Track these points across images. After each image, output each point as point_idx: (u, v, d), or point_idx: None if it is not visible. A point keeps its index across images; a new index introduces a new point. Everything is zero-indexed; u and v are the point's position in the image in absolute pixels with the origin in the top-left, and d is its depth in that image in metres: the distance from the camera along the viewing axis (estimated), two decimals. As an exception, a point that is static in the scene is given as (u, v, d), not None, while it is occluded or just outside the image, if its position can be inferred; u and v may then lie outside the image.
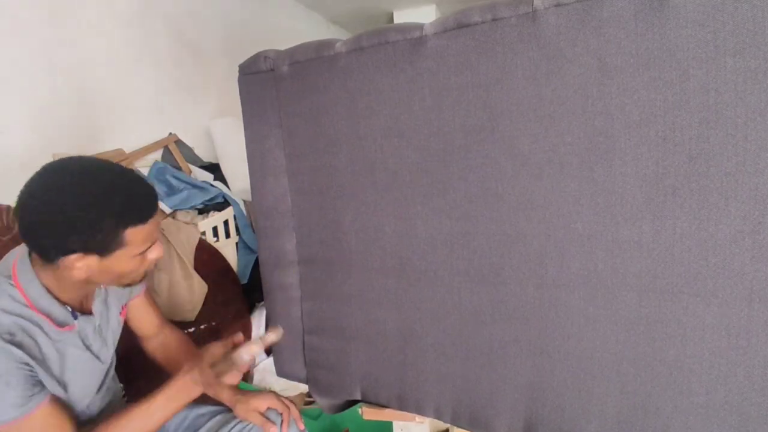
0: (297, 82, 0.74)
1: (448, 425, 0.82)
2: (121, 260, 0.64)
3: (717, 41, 0.49)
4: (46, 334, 0.64)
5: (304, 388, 1.57)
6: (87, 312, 0.72)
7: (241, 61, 0.82)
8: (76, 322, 0.68)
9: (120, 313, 0.80)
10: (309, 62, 0.73)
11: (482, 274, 0.65)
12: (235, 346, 0.70)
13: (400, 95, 0.66)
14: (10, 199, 1.08)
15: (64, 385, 0.68)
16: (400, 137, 0.68)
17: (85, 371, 0.71)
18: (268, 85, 0.77)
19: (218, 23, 1.96)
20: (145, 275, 0.73)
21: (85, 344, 0.70)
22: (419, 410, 0.75)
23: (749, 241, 0.50)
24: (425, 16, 2.81)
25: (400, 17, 2.86)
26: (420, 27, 0.64)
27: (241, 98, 0.82)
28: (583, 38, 0.54)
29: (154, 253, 0.68)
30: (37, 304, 0.64)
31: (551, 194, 0.59)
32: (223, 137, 1.67)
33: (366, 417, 0.81)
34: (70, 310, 0.67)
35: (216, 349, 0.70)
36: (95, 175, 0.61)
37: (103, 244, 0.61)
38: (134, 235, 0.63)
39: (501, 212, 0.62)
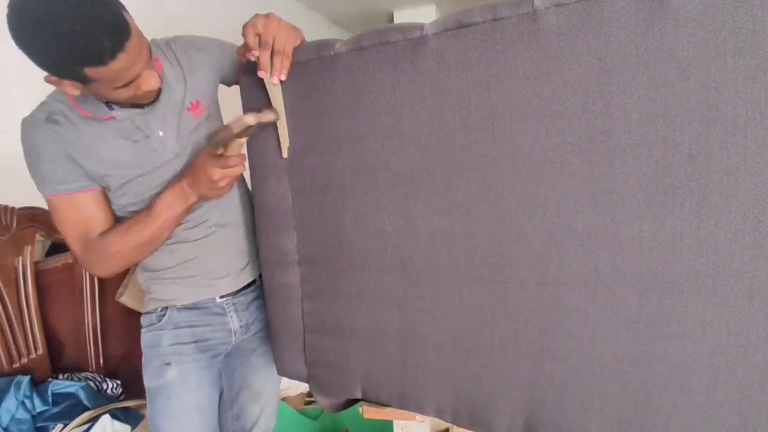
0: (298, 82, 0.74)
1: (448, 424, 0.82)
2: (103, 90, 0.66)
3: (717, 41, 0.49)
4: (84, 121, 0.73)
5: (304, 387, 1.58)
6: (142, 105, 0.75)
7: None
8: (112, 113, 0.74)
9: (189, 108, 0.80)
10: (309, 62, 0.73)
11: (483, 273, 0.65)
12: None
13: (401, 95, 0.66)
14: (9, 199, 1.08)
15: (105, 172, 0.74)
16: (401, 137, 0.68)
17: (128, 159, 0.75)
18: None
19: (218, 23, 1.96)
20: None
21: (125, 135, 0.75)
22: (420, 409, 0.75)
23: (749, 240, 0.50)
24: (425, 16, 2.81)
25: (401, 17, 2.86)
26: (420, 27, 0.65)
27: (242, 98, 0.82)
28: (584, 38, 0.55)
29: (145, 86, 0.68)
30: (78, 100, 0.72)
31: (552, 193, 0.59)
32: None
33: (367, 416, 0.82)
34: (105, 102, 0.73)
35: (204, 152, 0.74)
36: (53, 7, 0.57)
37: (71, 76, 0.63)
38: (97, 73, 0.61)
39: (502, 211, 0.62)
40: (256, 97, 0.78)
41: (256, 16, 0.71)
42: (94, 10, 0.58)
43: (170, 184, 0.76)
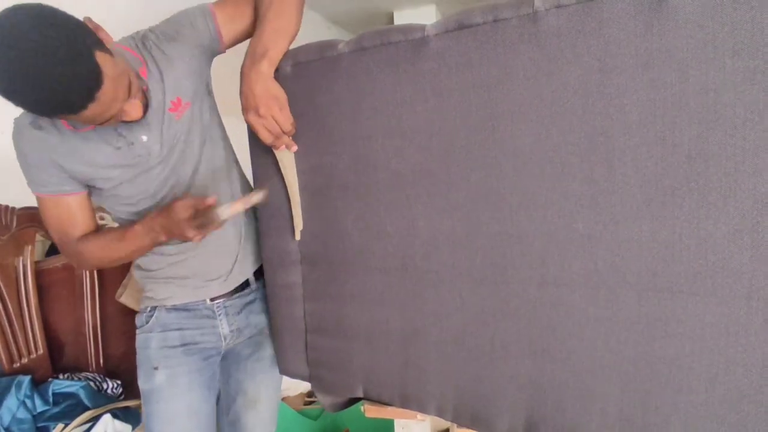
0: (299, 83, 0.74)
1: (449, 423, 0.82)
2: (85, 122, 0.66)
3: (716, 42, 0.49)
4: (65, 130, 0.72)
5: (304, 387, 1.58)
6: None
7: (241, 61, 0.82)
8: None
9: (170, 108, 0.76)
10: (311, 63, 0.73)
11: (484, 273, 0.66)
12: (207, 207, 0.70)
13: (402, 95, 0.67)
14: (9, 199, 1.08)
15: (91, 176, 0.74)
16: (403, 137, 0.68)
17: (113, 165, 0.75)
18: (270, 85, 0.77)
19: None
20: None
21: (108, 141, 0.74)
22: (421, 408, 0.76)
23: (748, 240, 0.51)
24: (425, 16, 2.81)
25: (401, 18, 2.86)
26: (422, 28, 0.65)
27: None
28: (584, 39, 0.55)
29: (127, 118, 0.68)
30: None
31: (552, 194, 0.59)
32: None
33: (368, 415, 0.82)
34: None
35: (185, 205, 0.70)
36: (24, 59, 0.55)
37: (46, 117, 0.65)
38: (69, 118, 0.62)
39: (502, 212, 0.63)
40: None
41: (246, 100, 0.71)
42: (60, 65, 0.56)
43: (144, 216, 0.75)
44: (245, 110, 0.73)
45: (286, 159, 0.77)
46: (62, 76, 0.56)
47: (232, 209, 0.70)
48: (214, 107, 0.85)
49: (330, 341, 0.82)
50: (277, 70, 0.76)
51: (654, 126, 0.53)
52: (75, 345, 1.21)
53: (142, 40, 0.76)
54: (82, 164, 0.73)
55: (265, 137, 0.73)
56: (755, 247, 0.51)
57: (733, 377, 0.54)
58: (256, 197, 0.72)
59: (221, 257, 0.86)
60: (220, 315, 0.88)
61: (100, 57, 0.60)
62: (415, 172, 0.68)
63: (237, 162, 0.91)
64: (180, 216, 0.69)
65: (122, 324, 1.28)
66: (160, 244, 0.77)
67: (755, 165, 0.49)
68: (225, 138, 0.88)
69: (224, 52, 0.83)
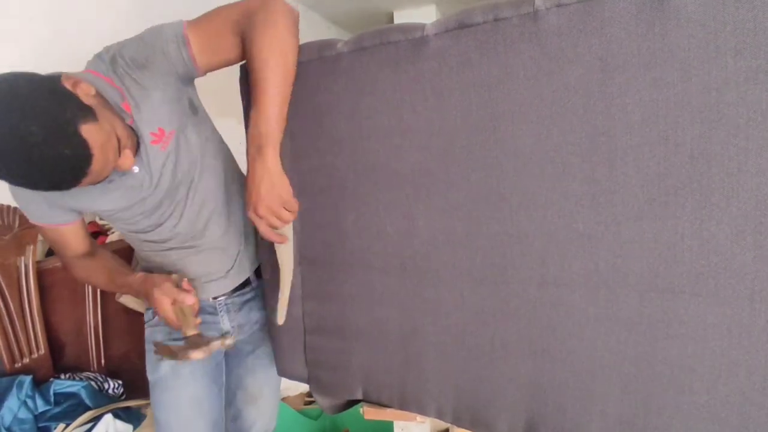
0: (299, 83, 0.74)
1: (448, 425, 0.82)
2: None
3: (718, 41, 0.49)
4: None
5: (304, 387, 1.58)
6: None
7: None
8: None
9: (153, 140, 0.71)
10: (311, 62, 0.73)
11: (484, 273, 0.65)
12: (183, 308, 0.74)
13: (402, 95, 0.66)
14: (10, 199, 1.09)
15: (88, 208, 0.77)
16: (403, 137, 0.68)
17: (107, 197, 0.74)
18: (270, 85, 0.77)
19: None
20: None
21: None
22: (421, 410, 0.75)
23: (750, 241, 0.50)
24: (425, 16, 2.81)
25: (400, 17, 2.86)
26: (422, 27, 0.65)
27: (242, 99, 0.82)
28: (585, 38, 0.55)
29: (120, 170, 0.68)
30: None
31: (553, 194, 0.59)
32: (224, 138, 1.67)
33: (367, 416, 0.82)
34: None
35: (167, 290, 0.74)
36: (5, 147, 0.54)
37: None
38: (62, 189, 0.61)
39: (503, 212, 0.62)
40: None
41: (249, 196, 0.69)
42: (46, 150, 0.54)
43: (135, 277, 0.79)
44: (247, 204, 0.70)
45: (284, 253, 0.78)
46: (48, 162, 0.55)
47: (192, 355, 0.72)
48: (204, 121, 0.81)
49: (329, 342, 0.82)
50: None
51: (656, 126, 0.53)
52: (76, 345, 1.21)
53: (111, 65, 0.69)
54: (74, 200, 0.73)
55: (265, 233, 0.71)
56: (758, 247, 0.50)
57: (736, 379, 0.53)
58: (217, 345, 0.74)
59: (222, 258, 0.87)
60: (221, 312, 0.90)
61: (86, 130, 0.58)
62: (415, 171, 0.68)
63: (236, 170, 0.89)
64: (157, 300, 0.74)
65: (123, 324, 1.28)
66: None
67: (758, 165, 0.49)
68: (220, 150, 0.84)
69: (201, 76, 0.75)
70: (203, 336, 0.76)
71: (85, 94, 0.61)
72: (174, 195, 0.78)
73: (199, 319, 0.77)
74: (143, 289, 0.77)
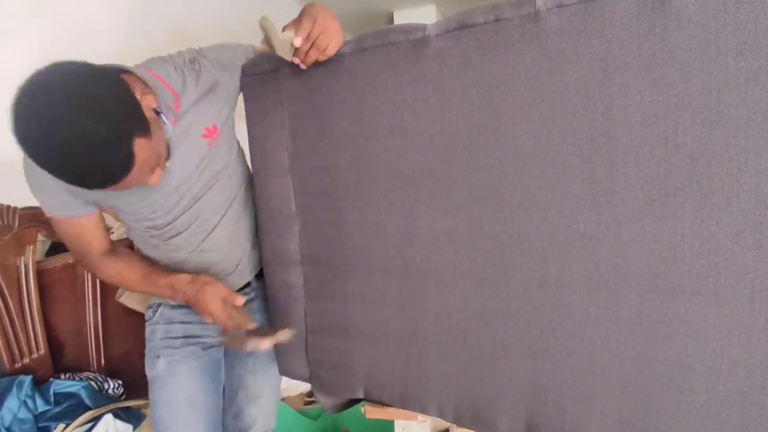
0: (300, 83, 0.74)
1: (449, 424, 0.82)
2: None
3: (718, 42, 0.49)
4: None
5: (304, 387, 1.58)
6: None
7: (243, 56, 0.82)
8: None
9: (204, 134, 0.76)
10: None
11: (485, 273, 0.65)
12: (234, 305, 0.75)
13: (403, 96, 0.67)
14: (10, 199, 1.08)
15: (108, 205, 0.76)
16: (404, 137, 0.68)
17: (132, 192, 0.73)
18: (272, 85, 0.77)
19: (218, 23, 1.95)
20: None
21: None
22: (422, 409, 0.76)
23: (750, 241, 0.51)
24: (425, 16, 2.81)
25: (401, 18, 2.86)
26: (423, 28, 0.65)
27: (244, 99, 0.82)
28: (586, 39, 0.55)
29: (147, 185, 0.67)
30: None
31: (553, 194, 0.59)
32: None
33: (369, 415, 0.82)
34: None
35: (215, 292, 0.75)
36: (54, 141, 0.54)
37: None
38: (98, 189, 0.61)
39: (504, 212, 0.63)
40: (259, 97, 0.78)
41: (314, 5, 0.69)
42: (94, 153, 0.54)
43: (179, 276, 0.79)
44: (299, 31, 0.67)
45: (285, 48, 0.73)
46: (92, 161, 0.55)
47: (258, 344, 0.72)
48: (234, 131, 0.86)
49: (331, 341, 0.82)
50: (276, 70, 0.76)
51: (656, 126, 0.53)
52: (76, 345, 1.21)
53: (190, 62, 0.76)
54: (96, 197, 0.74)
55: (306, 27, 0.67)
56: (758, 247, 0.50)
57: (736, 378, 0.53)
58: (283, 335, 0.74)
59: (224, 261, 0.88)
60: None
61: (138, 144, 0.58)
62: (416, 172, 0.68)
63: (249, 177, 0.90)
64: (209, 300, 0.75)
65: (123, 324, 1.28)
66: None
67: (758, 165, 0.49)
68: (242, 159, 0.88)
69: None
70: (265, 328, 0.76)
71: (147, 106, 0.63)
72: (195, 193, 0.79)
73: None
74: (191, 290, 0.77)
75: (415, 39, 0.65)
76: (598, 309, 0.59)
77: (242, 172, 0.87)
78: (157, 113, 0.67)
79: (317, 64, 0.72)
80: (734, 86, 0.49)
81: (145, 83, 0.68)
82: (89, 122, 0.53)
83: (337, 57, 0.71)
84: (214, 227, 0.83)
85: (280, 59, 0.76)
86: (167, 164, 0.73)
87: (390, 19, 2.91)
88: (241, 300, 0.75)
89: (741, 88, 0.49)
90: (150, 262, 0.85)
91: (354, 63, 0.70)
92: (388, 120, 0.68)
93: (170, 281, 0.79)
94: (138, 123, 0.60)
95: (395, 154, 0.69)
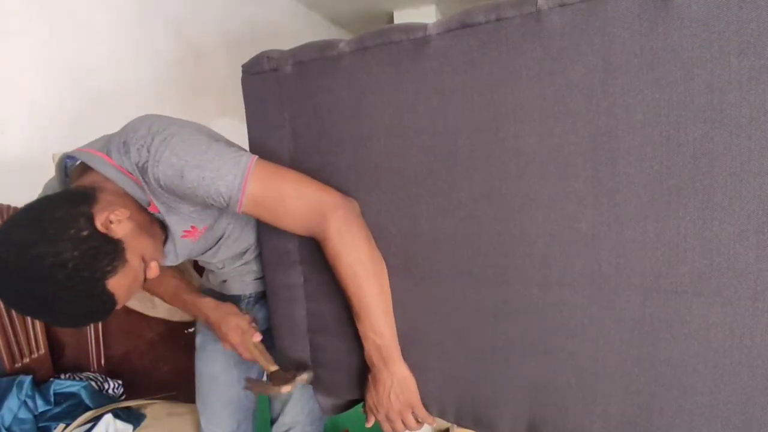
0: (300, 82, 0.74)
1: (449, 424, 0.82)
2: None
3: (721, 41, 0.49)
4: None
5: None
6: None
7: (241, 61, 0.82)
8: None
9: (183, 235, 0.72)
10: (312, 62, 0.73)
11: (486, 273, 0.65)
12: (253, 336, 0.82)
13: (404, 95, 0.66)
14: (10, 199, 1.08)
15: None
16: (404, 137, 0.68)
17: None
18: (272, 85, 0.77)
19: (218, 23, 1.95)
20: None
21: None
22: (423, 410, 0.75)
23: (753, 241, 0.50)
24: (425, 16, 2.81)
25: (401, 17, 2.86)
26: (424, 27, 0.64)
27: (244, 98, 0.82)
28: (588, 38, 0.54)
29: (151, 277, 0.66)
30: None
31: (555, 194, 0.59)
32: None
33: (369, 417, 0.81)
34: None
35: (237, 326, 0.82)
36: (27, 309, 0.58)
37: None
38: None
39: (505, 212, 0.62)
40: (259, 97, 0.77)
41: (380, 404, 0.72)
42: (70, 307, 0.54)
43: (205, 300, 0.85)
44: (374, 409, 0.73)
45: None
46: (75, 316, 0.56)
47: (280, 391, 0.78)
48: (224, 216, 0.80)
49: (331, 341, 0.82)
50: (276, 70, 0.76)
51: (659, 125, 0.53)
52: (76, 345, 1.21)
53: (141, 174, 0.62)
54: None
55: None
56: (761, 247, 0.50)
57: (739, 379, 0.53)
58: (302, 379, 0.80)
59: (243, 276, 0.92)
60: (242, 303, 0.94)
61: (113, 284, 0.56)
62: (417, 172, 0.67)
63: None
64: (230, 330, 0.81)
65: (123, 324, 1.28)
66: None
67: (761, 165, 0.49)
68: (247, 219, 0.82)
69: None
70: (286, 370, 0.82)
71: (118, 222, 0.58)
72: (203, 251, 0.83)
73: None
74: (214, 316, 0.82)
75: (416, 38, 0.65)
76: (600, 309, 0.59)
77: (246, 227, 0.84)
78: (133, 220, 0.61)
79: (317, 64, 0.72)
80: (737, 85, 0.49)
81: (116, 188, 0.62)
82: (52, 290, 0.52)
83: (338, 56, 0.71)
84: (241, 255, 0.88)
85: (280, 59, 0.76)
86: (164, 248, 0.71)
87: (390, 19, 2.91)
88: (258, 337, 0.81)
89: (744, 87, 0.49)
90: (181, 276, 0.89)
91: (354, 62, 0.70)
92: (388, 119, 0.68)
93: (195, 302, 0.84)
94: (108, 264, 0.55)
95: (396, 154, 0.69)
